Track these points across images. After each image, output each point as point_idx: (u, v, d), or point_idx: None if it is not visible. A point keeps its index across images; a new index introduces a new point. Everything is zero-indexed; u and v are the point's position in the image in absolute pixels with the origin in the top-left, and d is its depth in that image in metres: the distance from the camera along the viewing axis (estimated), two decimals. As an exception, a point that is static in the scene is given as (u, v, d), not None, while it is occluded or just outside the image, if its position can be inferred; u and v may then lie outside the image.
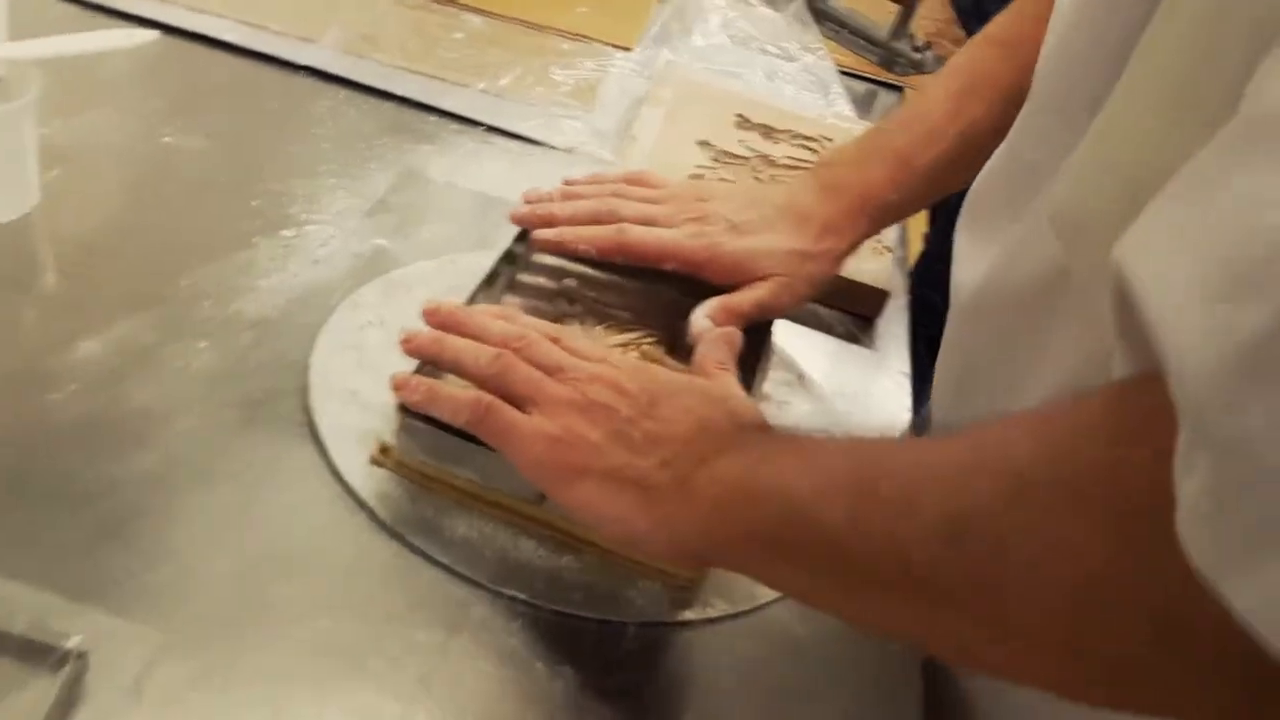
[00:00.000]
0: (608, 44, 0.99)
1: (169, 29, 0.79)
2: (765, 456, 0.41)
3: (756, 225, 0.62)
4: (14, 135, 0.59)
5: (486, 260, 0.65)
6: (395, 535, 0.47)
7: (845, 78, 1.11)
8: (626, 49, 0.99)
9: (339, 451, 0.50)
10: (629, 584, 0.48)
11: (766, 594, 0.50)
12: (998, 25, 0.67)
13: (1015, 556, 0.32)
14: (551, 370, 0.47)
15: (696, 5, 1.14)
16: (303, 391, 0.53)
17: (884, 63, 1.20)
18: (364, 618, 0.44)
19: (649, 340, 0.59)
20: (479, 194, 0.74)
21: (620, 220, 0.61)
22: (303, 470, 0.50)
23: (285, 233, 0.64)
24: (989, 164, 0.57)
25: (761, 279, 0.60)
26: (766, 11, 1.17)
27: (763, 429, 0.45)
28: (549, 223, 0.62)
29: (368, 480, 0.50)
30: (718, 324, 0.57)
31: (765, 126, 0.92)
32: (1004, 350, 0.50)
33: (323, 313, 0.59)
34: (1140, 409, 0.30)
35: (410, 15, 0.95)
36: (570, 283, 0.61)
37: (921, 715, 0.48)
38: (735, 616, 0.49)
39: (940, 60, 1.21)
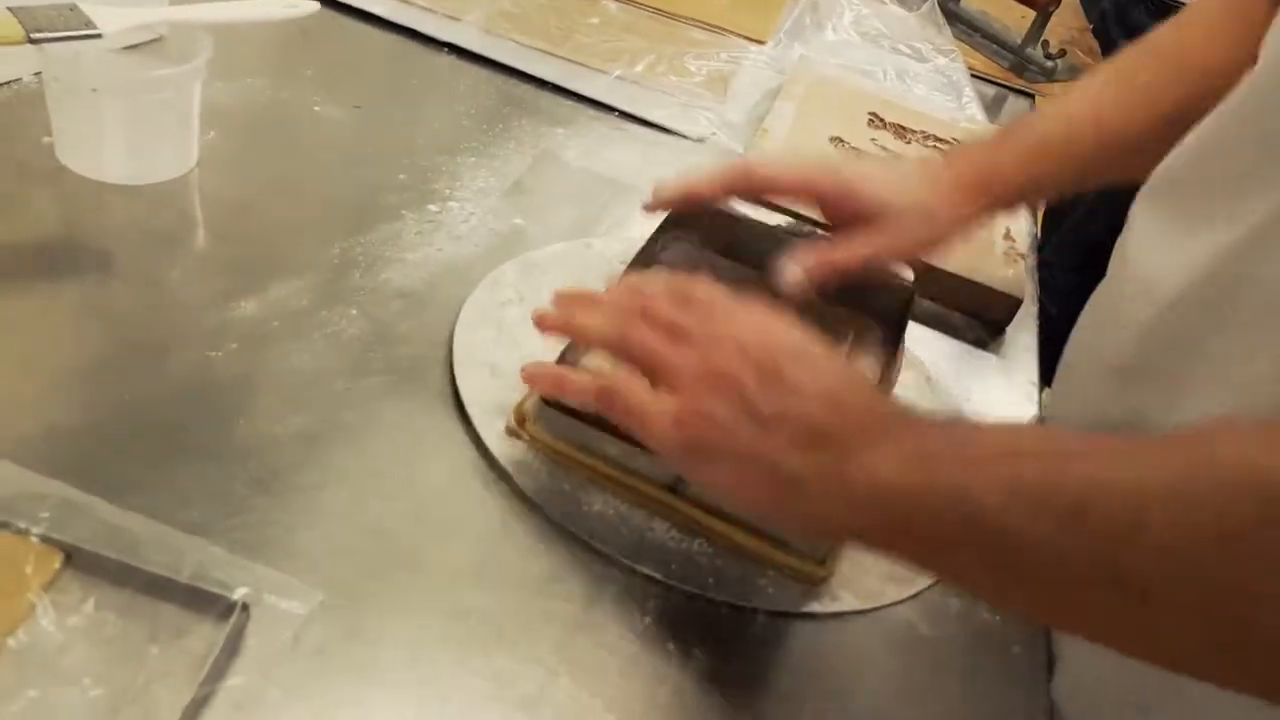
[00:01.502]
0: (741, 36, 0.99)
1: None
2: (922, 451, 0.39)
3: (890, 174, 0.60)
4: (182, 98, 0.61)
5: (618, 244, 0.66)
6: (535, 506, 0.48)
7: (975, 81, 1.09)
8: (760, 42, 0.99)
9: (481, 422, 0.51)
10: (759, 572, 0.48)
11: (894, 594, 0.50)
12: (1159, 36, 0.65)
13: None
14: (675, 335, 0.45)
15: (830, 0, 1.13)
16: (446, 363, 0.55)
17: (1015, 68, 1.18)
18: (504, 585, 0.45)
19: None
20: (612, 180, 0.75)
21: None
22: (448, 438, 0.51)
23: (431, 207, 0.66)
24: (1196, 144, 0.53)
25: (875, 225, 0.57)
26: (898, 10, 1.16)
27: (906, 413, 0.44)
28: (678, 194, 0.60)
29: (509, 451, 0.50)
30: (811, 275, 0.55)
31: (898, 126, 0.91)
32: (1213, 347, 0.47)
33: (465, 287, 0.60)
34: None
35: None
36: (703, 272, 0.61)
37: (1048, 714, 0.48)
38: (862, 613, 0.48)
39: (1073, 69, 1.18)
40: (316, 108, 0.72)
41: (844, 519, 0.40)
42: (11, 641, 0.37)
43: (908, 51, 1.09)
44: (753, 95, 0.91)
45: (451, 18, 0.86)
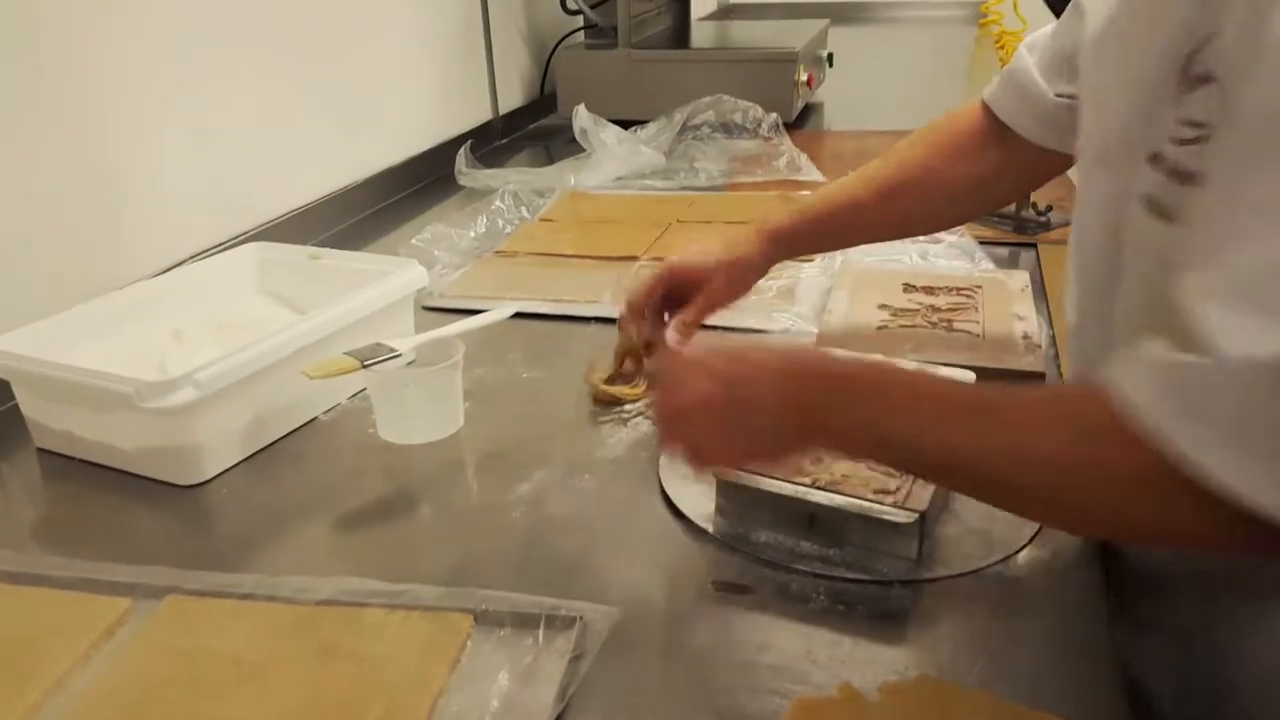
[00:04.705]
0: (795, 260, 1.33)
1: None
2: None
3: (710, 247, 1.01)
4: (450, 382, 0.95)
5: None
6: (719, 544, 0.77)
7: (987, 246, 1.39)
8: (810, 260, 1.32)
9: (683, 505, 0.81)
10: (875, 561, 0.74)
11: (977, 562, 0.75)
12: (893, 149, 1.05)
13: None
14: None
15: (856, 219, 1.47)
16: (652, 498, 0.85)
17: (1017, 229, 1.47)
18: (705, 598, 0.73)
19: None
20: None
21: None
22: (661, 526, 0.80)
23: (614, 408, 0.98)
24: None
25: (701, 291, 0.98)
26: (912, 212, 1.49)
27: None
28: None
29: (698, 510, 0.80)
30: (684, 336, 0.95)
31: (928, 287, 1.21)
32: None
33: (648, 451, 0.91)
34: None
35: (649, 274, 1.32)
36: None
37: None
38: (957, 576, 0.74)
39: (1063, 218, 1.48)
40: (524, 375, 1.07)
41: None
42: (464, 660, 0.66)
43: (925, 240, 1.41)
44: (813, 295, 1.23)
45: (592, 301, 1.23)
